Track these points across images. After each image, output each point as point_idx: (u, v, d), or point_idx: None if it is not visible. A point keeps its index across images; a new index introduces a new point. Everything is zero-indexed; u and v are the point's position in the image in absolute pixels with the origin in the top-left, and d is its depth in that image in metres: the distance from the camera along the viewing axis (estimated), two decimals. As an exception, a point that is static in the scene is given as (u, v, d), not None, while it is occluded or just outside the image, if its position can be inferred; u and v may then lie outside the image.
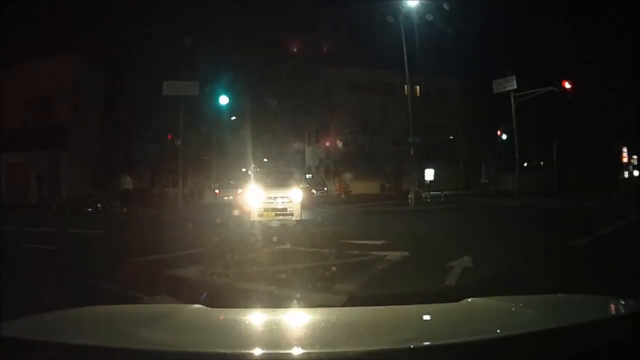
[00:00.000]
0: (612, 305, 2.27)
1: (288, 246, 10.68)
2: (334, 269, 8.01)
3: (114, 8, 43.62)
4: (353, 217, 20.03)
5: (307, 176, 43.03)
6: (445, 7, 25.24)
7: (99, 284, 6.70)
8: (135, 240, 12.41)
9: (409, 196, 25.44)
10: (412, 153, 26.67)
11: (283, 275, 7.49)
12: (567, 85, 29.49)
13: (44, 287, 6.27)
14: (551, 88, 29.71)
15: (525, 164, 35.66)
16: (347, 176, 40.44)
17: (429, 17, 24.86)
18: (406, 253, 9.29)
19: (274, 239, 11.62)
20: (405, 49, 25.18)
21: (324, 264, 8.50)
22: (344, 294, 6.15)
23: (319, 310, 4.78)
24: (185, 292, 6.24)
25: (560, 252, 9.42)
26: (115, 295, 6.04)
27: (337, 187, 39.09)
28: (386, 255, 9.03)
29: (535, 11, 47.72)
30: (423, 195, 27.02)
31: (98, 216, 22.24)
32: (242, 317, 2.71)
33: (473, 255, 8.52)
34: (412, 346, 1.73)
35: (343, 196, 37.30)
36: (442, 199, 26.89)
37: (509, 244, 10.80)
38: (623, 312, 2.19)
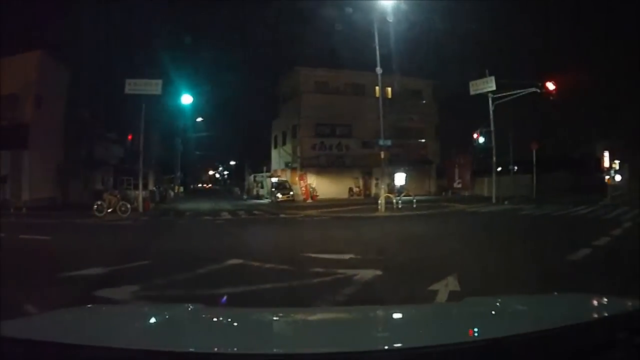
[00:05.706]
0: (612, 305, 2.25)
1: (241, 261, 9.22)
2: (291, 293, 6.71)
3: (80, 4, 41.21)
4: (318, 225, 18.65)
5: (273, 180, 41.41)
6: (420, 7, 24.57)
7: (20, 306, 5.29)
8: (80, 249, 11.72)
9: (379, 201, 24.26)
10: (382, 156, 25.39)
11: (227, 301, 6.25)
12: (551, 86, 28.45)
13: None
14: (533, 89, 28.69)
15: (500, 168, 34.68)
16: (314, 180, 39.11)
17: (403, 18, 23.84)
18: (378, 272, 7.84)
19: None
20: (377, 50, 24.03)
21: (279, 285, 7.09)
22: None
23: (318, 310, 4.97)
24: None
25: (559, 269, 8.06)
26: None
27: (304, 192, 37.52)
28: (355, 275, 7.59)
29: (515, 12, 47.23)
30: (394, 201, 25.72)
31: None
32: (241, 317, 2.63)
33: (458, 275, 7.12)
34: (410, 346, 1.73)
35: (310, 201, 35.91)
36: (415, 205, 25.49)
37: (498, 258, 9.33)
38: (622, 311, 2.10)
